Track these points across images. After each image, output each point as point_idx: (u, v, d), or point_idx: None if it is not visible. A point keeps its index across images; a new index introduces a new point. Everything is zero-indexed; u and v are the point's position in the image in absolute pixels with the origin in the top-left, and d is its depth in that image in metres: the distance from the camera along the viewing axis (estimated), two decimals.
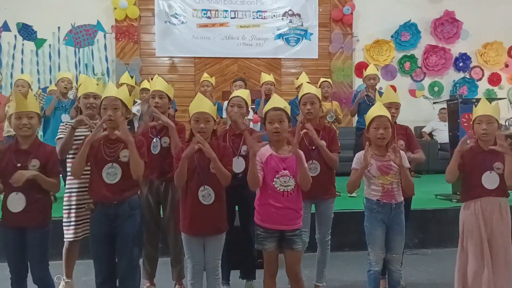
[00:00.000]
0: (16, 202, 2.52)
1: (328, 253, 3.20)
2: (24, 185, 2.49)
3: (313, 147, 2.97)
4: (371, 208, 2.78)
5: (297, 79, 5.42)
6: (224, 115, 5.13)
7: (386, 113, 2.75)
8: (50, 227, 2.69)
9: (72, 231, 3.03)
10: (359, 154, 2.78)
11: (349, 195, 5.10)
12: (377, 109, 2.78)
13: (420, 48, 8.28)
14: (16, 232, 2.58)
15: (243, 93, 3.19)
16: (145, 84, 5.51)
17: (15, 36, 7.52)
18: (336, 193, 4.60)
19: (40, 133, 5.39)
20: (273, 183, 2.51)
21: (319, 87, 5.31)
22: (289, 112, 2.63)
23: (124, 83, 4.53)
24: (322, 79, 5.47)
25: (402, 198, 2.80)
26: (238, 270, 3.27)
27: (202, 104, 2.61)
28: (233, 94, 3.21)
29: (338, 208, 4.28)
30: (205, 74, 5.60)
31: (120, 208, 2.57)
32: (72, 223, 3.02)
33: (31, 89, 5.12)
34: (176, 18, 7.78)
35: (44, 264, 2.65)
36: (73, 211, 3.01)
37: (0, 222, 2.63)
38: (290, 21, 7.99)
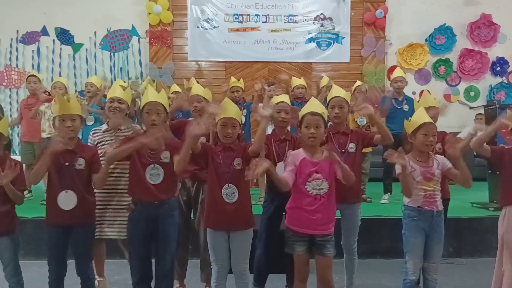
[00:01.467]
0: (67, 200, 2.62)
1: (355, 260, 3.16)
2: (73, 184, 2.62)
3: (343, 150, 2.95)
4: (412, 215, 2.72)
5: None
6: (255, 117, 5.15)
7: (430, 119, 2.71)
8: (95, 224, 2.82)
9: (101, 230, 3.11)
10: None
11: (380, 201, 5.03)
12: (423, 115, 2.72)
13: (455, 52, 8.06)
14: (61, 231, 2.68)
15: (286, 98, 3.19)
16: (175, 88, 5.59)
17: (54, 40, 7.78)
18: (368, 199, 4.54)
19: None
20: (305, 186, 2.52)
21: (354, 90, 5.28)
22: (326, 117, 2.63)
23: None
24: (357, 83, 5.42)
25: (442, 206, 2.74)
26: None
27: (229, 109, 2.63)
28: (278, 99, 3.17)
29: (370, 214, 4.24)
30: (233, 79, 5.53)
31: (160, 209, 2.64)
32: (101, 223, 3.11)
33: (68, 92, 5.29)
34: (208, 22, 7.87)
35: (89, 260, 2.78)
36: (101, 211, 3.10)
37: (44, 221, 2.73)
38: (322, 25, 7.94)
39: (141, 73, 7.85)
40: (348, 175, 2.54)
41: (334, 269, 2.92)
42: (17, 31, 7.73)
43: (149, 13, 7.65)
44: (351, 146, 2.99)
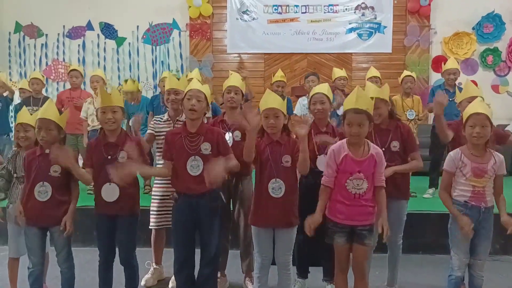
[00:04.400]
0: (110, 192, 2.70)
1: (399, 256, 3.10)
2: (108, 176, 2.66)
3: (384, 148, 2.86)
4: (458, 210, 2.63)
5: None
6: (298, 112, 5.11)
7: (484, 110, 2.56)
8: (138, 215, 2.87)
9: (153, 220, 3.23)
10: (453, 155, 2.64)
11: (423, 196, 4.90)
12: (475, 106, 2.60)
13: (504, 40, 7.67)
14: (108, 219, 2.78)
15: (323, 88, 3.07)
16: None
17: (98, 35, 8.02)
18: (412, 193, 4.43)
19: None
20: (346, 184, 2.47)
21: (401, 82, 5.13)
22: (372, 112, 2.53)
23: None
24: (405, 73, 5.25)
25: (493, 203, 2.63)
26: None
27: (271, 100, 2.63)
28: (314, 91, 3.10)
29: (413, 209, 4.12)
30: (280, 73, 5.44)
31: (202, 199, 2.68)
32: (154, 213, 3.22)
33: (105, 84, 5.43)
34: (248, 14, 7.86)
35: (131, 249, 2.85)
36: (156, 201, 3.22)
37: (93, 209, 2.85)
38: (363, 14, 7.76)
39: (182, 66, 7.97)
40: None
41: (376, 264, 2.88)
42: (64, 26, 8.02)
43: (190, 6, 7.73)
44: (394, 145, 2.88)
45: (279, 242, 2.64)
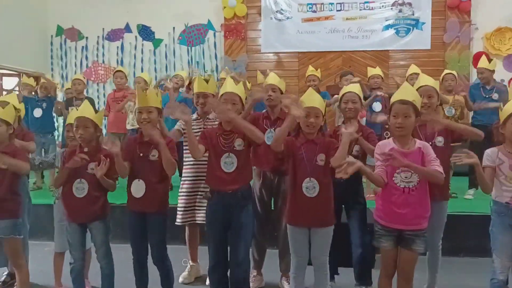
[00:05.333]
0: (138, 188, 2.78)
1: (439, 258, 3.02)
2: (145, 173, 2.76)
3: (429, 143, 2.78)
4: (499, 211, 2.55)
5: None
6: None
7: None
8: (167, 212, 2.92)
9: (180, 216, 3.27)
10: (490, 152, 2.55)
11: (464, 197, 4.76)
12: None
13: None
14: (139, 216, 2.84)
15: (355, 88, 3.07)
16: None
17: (136, 37, 8.22)
18: (452, 194, 4.29)
19: None
20: (393, 178, 2.41)
21: (442, 80, 5.01)
22: (419, 105, 2.48)
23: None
24: (446, 71, 5.14)
25: None
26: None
27: (312, 98, 2.62)
28: (346, 90, 3.09)
29: (454, 210, 4.01)
30: (311, 68, 5.54)
31: (234, 198, 2.70)
32: (180, 209, 3.27)
33: (148, 86, 5.56)
34: (282, 13, 7.85)
35: (162, 247, 2.88)
36: (183, 197, 3.26)
37: (126, 206, 2.93)
38: (400, 11, 7.60)
39: (217, 66, 8.05)
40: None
41: (416, 266, 2.80)
42: (103, 29, 8.27)
43: (224, 7, 7.80)
44: (439, 140, 2.81)
45: (315, 242, 2.63)
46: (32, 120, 5.40)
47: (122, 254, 3.22)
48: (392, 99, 2.51)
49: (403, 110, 2.40)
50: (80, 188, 2.76)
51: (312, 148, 2.58)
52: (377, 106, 5.00)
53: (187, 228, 3.41)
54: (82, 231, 2.86)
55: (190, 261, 3.52)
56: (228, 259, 2.79)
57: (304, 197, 2.56)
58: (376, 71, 5.33)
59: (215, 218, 2.76)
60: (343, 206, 3.05)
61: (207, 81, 3.31)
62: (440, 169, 2.40)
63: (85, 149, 2.80)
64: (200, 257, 3.54)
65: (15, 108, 3.02)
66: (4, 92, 7.70)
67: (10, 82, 7.87)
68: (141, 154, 2.78)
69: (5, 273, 3.48)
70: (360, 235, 2.95)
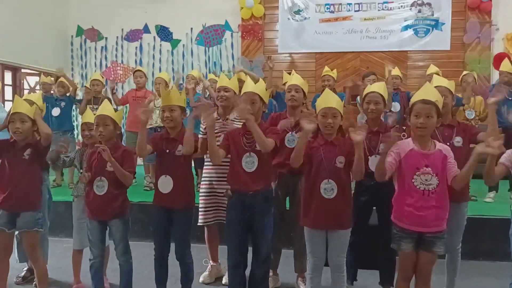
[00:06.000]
0: (166, 184, 2.82)
1: (458, 261, 2.97)
2: (171, 169, 2.80)
3: (447, 144, 2.74)
4: None
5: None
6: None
7: None
8: (193, 210, 2.95)
9: (201, 216, 3.29)
10: (511, 151, 2.50)
11: (484, 200, 4.68)
12: None
13: None
14: (164, 212, 2.87)
15: (380, 88, 3.01)
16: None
17: (154, 37, 8.29)
18: (472, 197, 4.22)
19: None
20: (413, 180, 2.38)
21: (461, 81, 4.95)
22: (441, 106, 2.44)
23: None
24: (464, 72, 5.08)
25: None
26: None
27: (329, 99, 2.61)
28: (369, 89, 3.03)
29: (473, 213, 3.95)
30: (326, 68, 5.54)
31: (255, 198, 2.70)
32: (202, 209, 3.28)
33: (168, 86, 5.61)
34: (299, 14, 7.84)
35: (186, 244, 2.92)
36: (203, 198, 3.28)
37: (150, 205, 2.98)
38: (419, 11, 7.51)
39: (233, 66, 8.06)
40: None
41: (433, 269, 2.77)
42: (122, 29, 8.37)
43: (242, 8, 7.82)
44: (458, 140, 2.76)
45: (332, 244, 2.61)
46: (51, 119, 5.49)
47: (140, 251, 3.26)
48: (414, 99, 2.47)
49: (425, 110, 2.37)
50: (100, 186, 2.81)
51: (331, 150, 2.55)
52: (396, 106, 4.96)
53: (205, 228, 3.42)
54: (102, 229, 2.90)
55: (210, 261, 3.53)
56: (247, 259, 2.80)
57: (322, 199, 2.54)
58: (394, 71, 5.29)
59: (236, 218, 2.76)
60: (374, 208, 3.01)
61: (229, 78, 3.34)
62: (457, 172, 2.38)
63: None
64: (220, 257, 3.54)
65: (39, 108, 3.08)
66: (26, 91, 7.86)
67: (31, 81, 8.02)
68: (167, 151, 2.83)
69: (25, 268, 3.54)
70: (389, 236, 2.91)
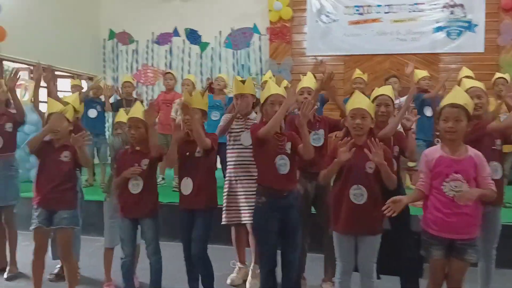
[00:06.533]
0: (187, 186, 2.88)
1: (492, 269, 2.88)
2: (192, 171, 2.86)
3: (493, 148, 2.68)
4: None
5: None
6: None
7: None
8: (214, 211, 2.98)
9: (224, 216, 3.32)
10: None
11: None
12: None
13: None
14: (188, 213, 2.93)
15: (388, 91, 2.98)
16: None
17: (183, 40, 8.42)
18: (507, 204, 4.08)
19: None
20: (442, 187, 2.34)
21: (493, 84, 4.81)
22: (471, 109, 2.39)
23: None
24: (497, 75, 4.92)
25: None
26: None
27: (359, 100, 2.59)
28: (378, 92, 2.98)
29: (507, 220, 3.83)
30: (358, 71, 5.44)
31: (286, 199, 2.71)
32: (225, 209, 3.31)
33: (195, 88, 5.68)
34: (328, 16, 7.80)
35: (203, 245, 2.93)
36: (226, 197, 3.31)
37: (178, 205, 3.03)
38: (451, 13, 7.36)
39: (261, 69, 8.09)
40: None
41: (466, 277, 2.70)
42: (152, 33, 8.53)
43: (270, 11, 7.84)
44: (498, 143, 2.71)
45: (362, 249, 2.57)
46: (87, 120, 5.64)
47: (169, 251, 3.31)
48: (442, 103, 2.43)
49: (454, 114, 2.33)
50: (136, 185, 2.88)
51: (361, 154, 2.50)
52: (428, 111, 4.86)
53: (233, 229, 3.43)
54: (134, 227, 2.97)
55: (238, 263, 3.53)
56: (276, 259, 2.79)
57: (352, 204, 2.51)
58: (424, 73, 5.21)
59: (271, 223, 2.72)
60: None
61: (243, 82, 3.33)
62: (494, 187, 2.34)
63: (137, 148, 2.91)
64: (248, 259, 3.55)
65: (74, 109, 3.17)
66: (61, 94, 8.08)
67: (65, 84, 8.25)
68: (188, 153, 2.88)
69: (58, 266, 3.64)
70: (406, 242, 2.87)
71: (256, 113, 3.37)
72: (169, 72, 5.98)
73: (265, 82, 5.00)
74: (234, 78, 3.61)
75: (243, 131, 3.24)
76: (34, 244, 3.00)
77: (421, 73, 5.17)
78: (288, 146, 2.72)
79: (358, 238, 2.57)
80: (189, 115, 2.77)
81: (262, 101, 2.83)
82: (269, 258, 2.76)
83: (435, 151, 2.41)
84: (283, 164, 2.68)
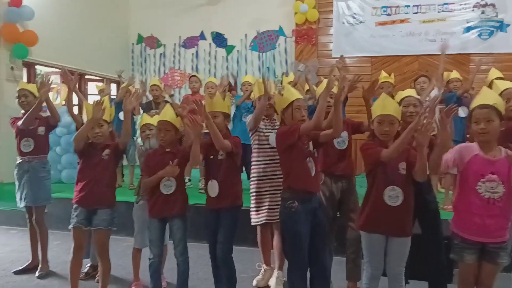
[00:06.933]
0: (213, 188, 2.91)
1: None
2: (216, 174, 2.88)
3: None
4: None
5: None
6: None
7: None
8: (239, 212, 2.98)
9: (253, 217, 3.32)
10: None
11: None
12: None
13: None
14: (214, 214, 2.95)
15: (413, 93, 2.95)
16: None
17: (210, 44, 8.51)
18: None
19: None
20: (477, 187, 2.28)
21: None
22: (502, 108, 2.33)
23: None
24: None
25: None
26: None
27: (386, 105, 2.52)
28: (404, 94, 2.92)
29: None
30: (383, 74, 5.32)
31: (315, 201, 2.70)
32: (253, 210, 3.31)
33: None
34: (354, 18, 7.73)
35: (227, 246, 2.93)
36: (252, 197, 3.31)
37: (204, 207, 3.06)
38: (482, 12, 7.17)
39: (287, 71, 8.06)
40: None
41: (498, 285, 2.62)
42: (179, 36, 8.65)
43: (296, 13, 7.82)
44: None
45: (391, 252, 2.52)
46: (117, 122, 5.75)
47: (195, 252, 3.33)
48: (472, 105, 2.38)
49: (484, 115, 2.28)
50: (168, 185, 2.93)
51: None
52: (463, 111, 4.74)
53: (259, 230, 3.41)
54: (162, 228, 3.00)
55: (264, 265, 3.51)
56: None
57: (385, 206, 2.46)
58: (455, 74, 5.10)
59: (305, 227, 2.68)
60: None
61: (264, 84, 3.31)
62: None
63: (167, 149, 2.95)
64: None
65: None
66: (90, 97, 8.28)
67: (94, 87, 8.45)
68: (211, 157, 2.91)
69: (88, 264, 3.71)
70: (437, 247, 2.80)
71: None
72: (194, 75, 6.00)
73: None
74: (256, 81, 3.60)
75: (270, 132, 3.24)
76: (73, 242, 3.05)
77: (451, 75, 5.06)
78: (310, 147, 2.71)
79: (388, 240, 2.52)
80: (205, 118, 2.76)
81: (283, 106, 2.76)
82: (304, 262, 2.71)
83: (473, 148, 2.34)
84: (311, 166, 2.68)
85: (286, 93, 2.82)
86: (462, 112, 4.76)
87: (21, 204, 3.81)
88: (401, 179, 2.46)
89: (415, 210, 2.77)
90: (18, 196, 3.81)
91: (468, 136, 4.14)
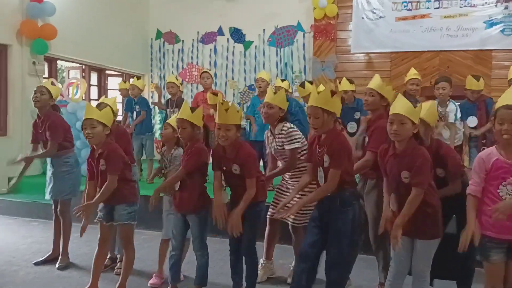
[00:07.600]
0: (225, 197, 2.96)
1: None
2: (233, 184, 2.92)
3: None
4: None
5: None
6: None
7: None
8: (262, 207, 2.99)
9: (270, 209, 3.32)
10: None
11: None
12: None
13: None
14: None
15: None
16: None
17: (228, 39, 8.51)
18: None
19: None
20: (498, 191, 2.25)
21: None
22: None
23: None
24: None
25: None
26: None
27: (398, 105, 2.44)
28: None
29: None
30: (413, 71, 5.14)
31: (332, 202, 2.63)
32: (272, 203, 3.31)
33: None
34: (374, 13, 7.64)
35: (252, 241, 2.96)
36: (276, 193, 3.32)
37: None
38: (506, 8, 7.01)
39: (305, 67, 8.05)
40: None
41: None
42: (198, 32, 8.68)
43: (315, 8, 7.77)
44: None
45: (415, 253, 2.50)
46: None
47: (213, 246, 3.34)
48: (497, 105, 2.32)
49: (509, 116, 2.21)
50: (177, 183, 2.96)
51: (396, 162, 2.42)
52: (472, 121, 4.70)
53: (268, 224, 3.40)
54: (184, 222, 3.04)
55: (262, 259, 3.47)
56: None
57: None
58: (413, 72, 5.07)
59: (312, 221, 2.73)
60: (454, 216, 2.83)
61: (275, 92, 3.27)
62: None
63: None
64: (281, 255, 3.55)
65: (112, 111, 3.21)
66: (109, 92, 8.39)
67: (113, 82, 8.56)
68: (225, 168, 2.90)
69: (108, 256, 3.76)
70: (470, 246, 2.75)
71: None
72: (206, 71, 5.96)
73: (278, 87, 4.94)
74: (269, 87, 3.52)
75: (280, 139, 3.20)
76: (99, 235, 3.11)
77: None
78: (325, 158, 2.59)
79: (414, 241, 2.50)
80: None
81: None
82: (306, 255, 2.74)
83: (492, 154, 2.30)
84: (320, 176, 2.63)
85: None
86: (472, 122, 4.70)
87: (47, 196, 3.93)
88: (404, 186, 2.41)
89: (452, 210, 2.74)
90: (47, 188, 3.93)
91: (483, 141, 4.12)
